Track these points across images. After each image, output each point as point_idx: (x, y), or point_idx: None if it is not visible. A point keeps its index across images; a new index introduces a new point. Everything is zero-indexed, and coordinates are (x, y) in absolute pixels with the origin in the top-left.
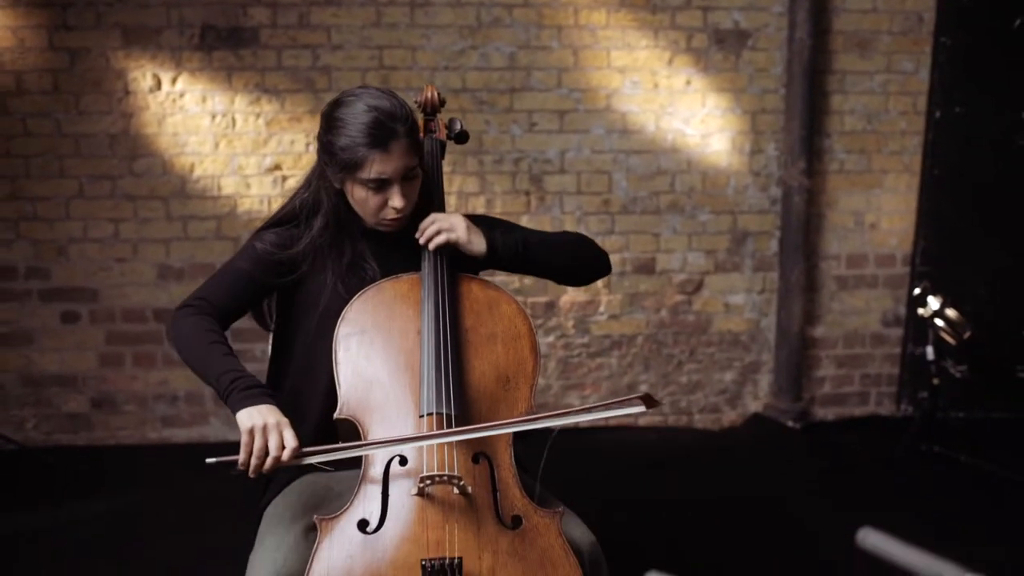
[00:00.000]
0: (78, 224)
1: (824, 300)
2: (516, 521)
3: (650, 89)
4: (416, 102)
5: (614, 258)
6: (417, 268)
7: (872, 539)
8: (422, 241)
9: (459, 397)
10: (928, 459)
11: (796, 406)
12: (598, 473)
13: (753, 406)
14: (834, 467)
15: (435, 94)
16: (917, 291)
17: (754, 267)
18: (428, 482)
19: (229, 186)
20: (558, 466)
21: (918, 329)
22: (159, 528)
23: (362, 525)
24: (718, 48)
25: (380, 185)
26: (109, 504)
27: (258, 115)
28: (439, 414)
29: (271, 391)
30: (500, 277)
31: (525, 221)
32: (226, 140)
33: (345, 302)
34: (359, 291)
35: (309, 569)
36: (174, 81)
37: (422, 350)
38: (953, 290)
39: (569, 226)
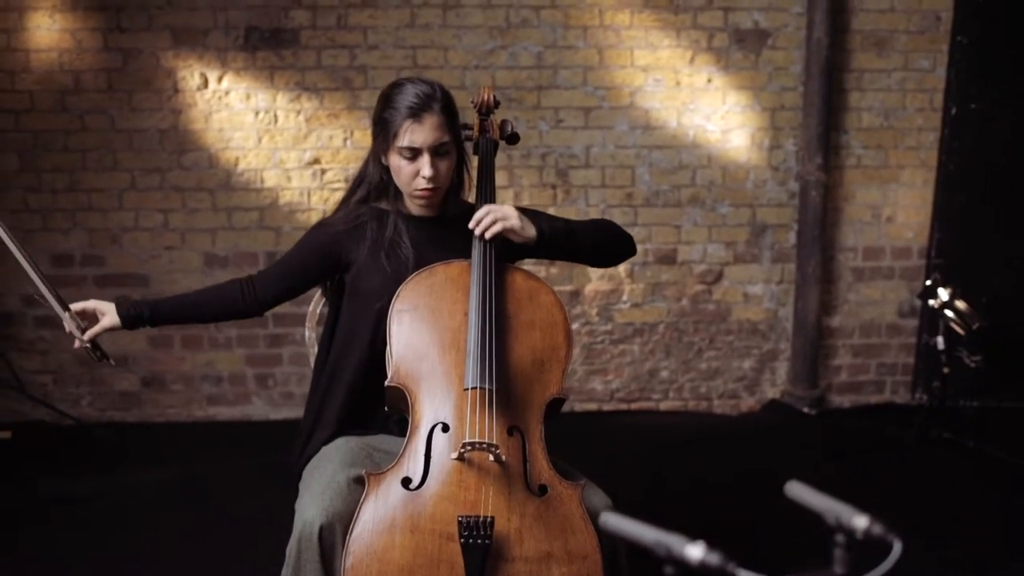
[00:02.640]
0: (130, 214)
1: (841, 291)
2: (542, 490)
3: (672, 87)
4: (472, 103)
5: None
6: (450, 258)
7: (796, 490)
8: (478, 232)
9: (500, 375)
10: (936, 445)
11: (812, 393)
12: (620, 452)
13: (771, 393)
14: (844, 449)
15: (491, 96)
16: (928, 283)
17: (772, 258)
18: (468, 448)
19: (271, 179)
20: (583, 445)
21: (933, 320)
22: (204, 497)
23: (406, 482)
24: (738, 47)
25: (413, 154)
26: (158, 475)
27: (298, 112)
28: (481, 388)
29: (127, 309)
30: (526, 265)
31: (551, 213)
32: (268, 135)
33: (387, 279)
34: (397, 271)
35: (356, 517)
36: (220, 80)
37: (469, 330)
38: (968, 282)
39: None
